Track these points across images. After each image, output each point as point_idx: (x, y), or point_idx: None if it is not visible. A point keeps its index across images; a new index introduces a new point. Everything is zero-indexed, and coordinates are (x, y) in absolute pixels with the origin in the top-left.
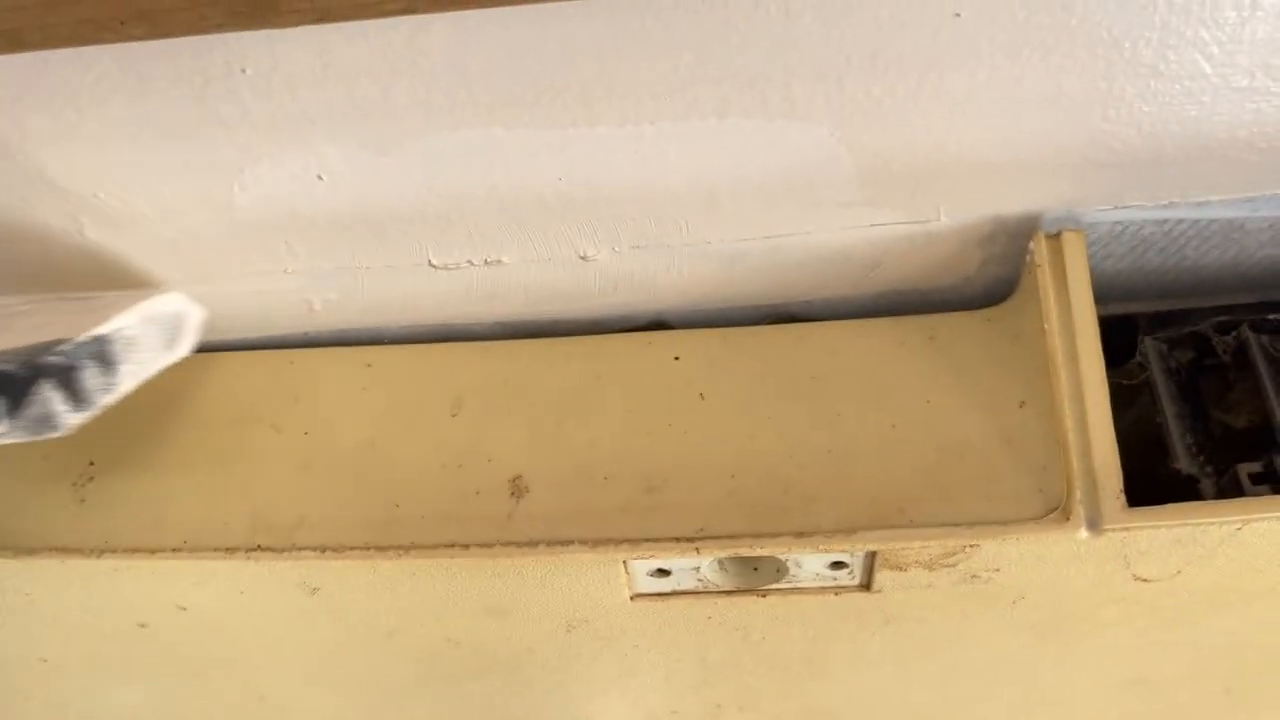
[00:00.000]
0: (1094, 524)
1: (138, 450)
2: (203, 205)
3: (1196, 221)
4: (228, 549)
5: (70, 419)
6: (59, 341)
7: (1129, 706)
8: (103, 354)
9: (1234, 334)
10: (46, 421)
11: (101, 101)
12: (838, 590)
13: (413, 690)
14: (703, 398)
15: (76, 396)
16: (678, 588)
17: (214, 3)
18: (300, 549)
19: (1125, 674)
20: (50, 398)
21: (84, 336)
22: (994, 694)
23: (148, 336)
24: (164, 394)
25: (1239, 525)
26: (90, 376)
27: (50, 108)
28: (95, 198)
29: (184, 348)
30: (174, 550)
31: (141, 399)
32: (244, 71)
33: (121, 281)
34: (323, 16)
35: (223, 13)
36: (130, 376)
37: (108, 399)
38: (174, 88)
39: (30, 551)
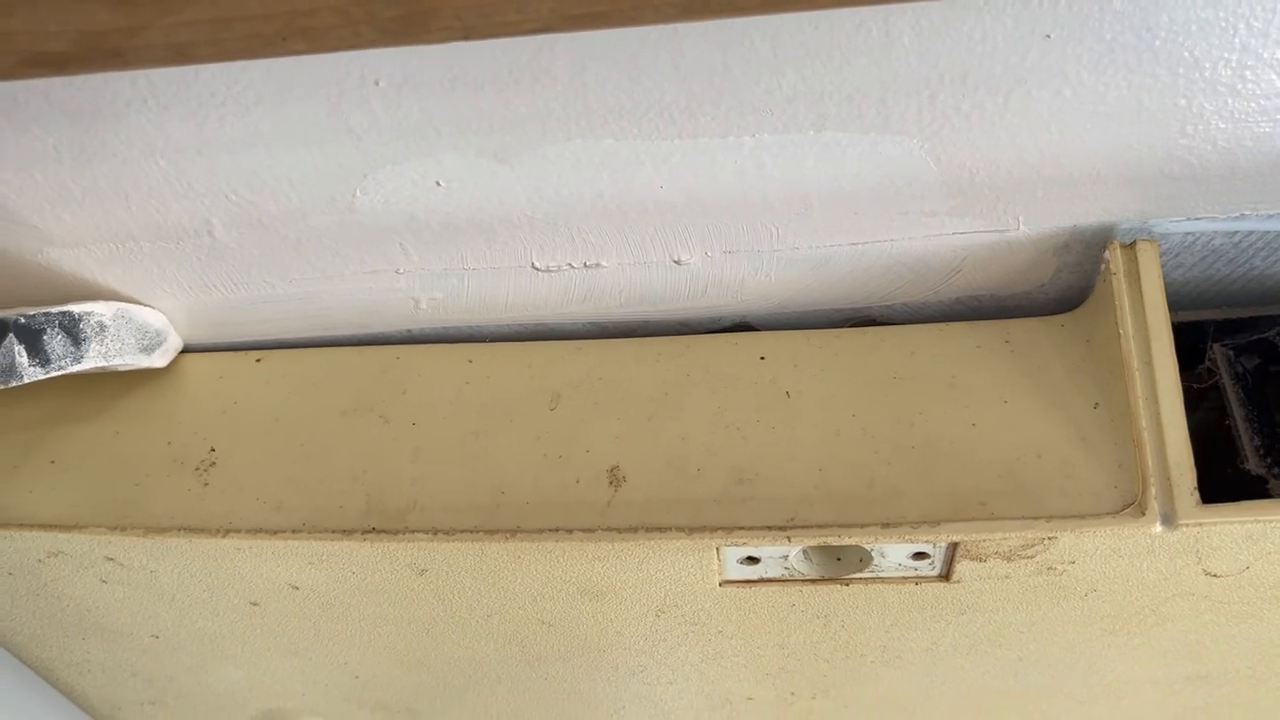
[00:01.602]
0: (1168, 519)
1: (255, 439)
2: (326, 208)
3: (1265, 234)
4: (344, 531)
5: (31, 373)
6: (25, 311)
7: (1190, 701)
8: (72, 328)
9: None
10: (9, 371)
11: (245, 111)
12: (918, 580)
13: (501, 671)
14: (789, 396)
15: (38, 356)
16: (765, 575)
17: (370, 21)
18: (412, 531)
19: (1188, 669)
20: (14, 350)
21: (55, 309)
22: (1059, 686)
23: (120, 331)
24: (278, 387)
25: None
26: (55, 343)
27: (196, 116)
28: (227, 200)
29: (161, 359)
30: (294, 531)
31: (255, 392)
32: (377, 84)
33: (245, 282)
34: (468, 34)
35: (376, 31)
36: (99, 357)
37: (71, 367)
38: (310, 98)
39: (160, 530)
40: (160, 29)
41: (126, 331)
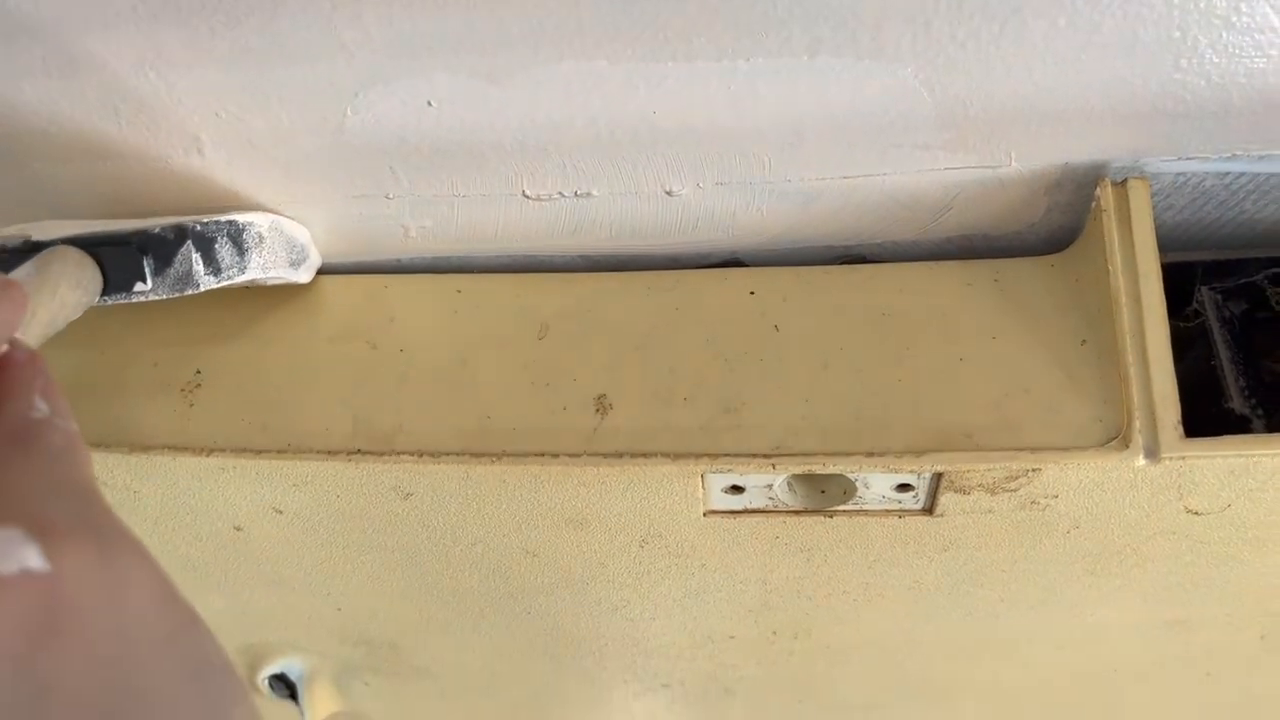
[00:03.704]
0: (1151, 453)
1: (242, 363)
2: (315, 128)
3: (1256, 175)
4: (329, 451)
5: (206, 281)
6: (200, 219)
7: (1168, 648)
8: (237, 237)
9: None
10: (188, 280)
11: (236, 23)
12: (901, 514)
13: (484, 604)
14: (777, 329)
15: (213, 265)
16: (749, 506)
17: None
18: (398, 453)
19: (1167, 614)
20: (192, 259)
21: (223, 218)
22: (1039, 630)
23: (274, 244)
24: (265, 312)
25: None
26: (225, 252)
27: (188, 26)
28: (216, 117)
29: (305, 275)
30: (279, 452)
31: (243, 316)
32: None
33: (234, 203)
34: None
35: None
36: (257, 268)
37: (237, 277)
38: (304, 12)
39: (144, 449)
40: None
41: (280, 244)
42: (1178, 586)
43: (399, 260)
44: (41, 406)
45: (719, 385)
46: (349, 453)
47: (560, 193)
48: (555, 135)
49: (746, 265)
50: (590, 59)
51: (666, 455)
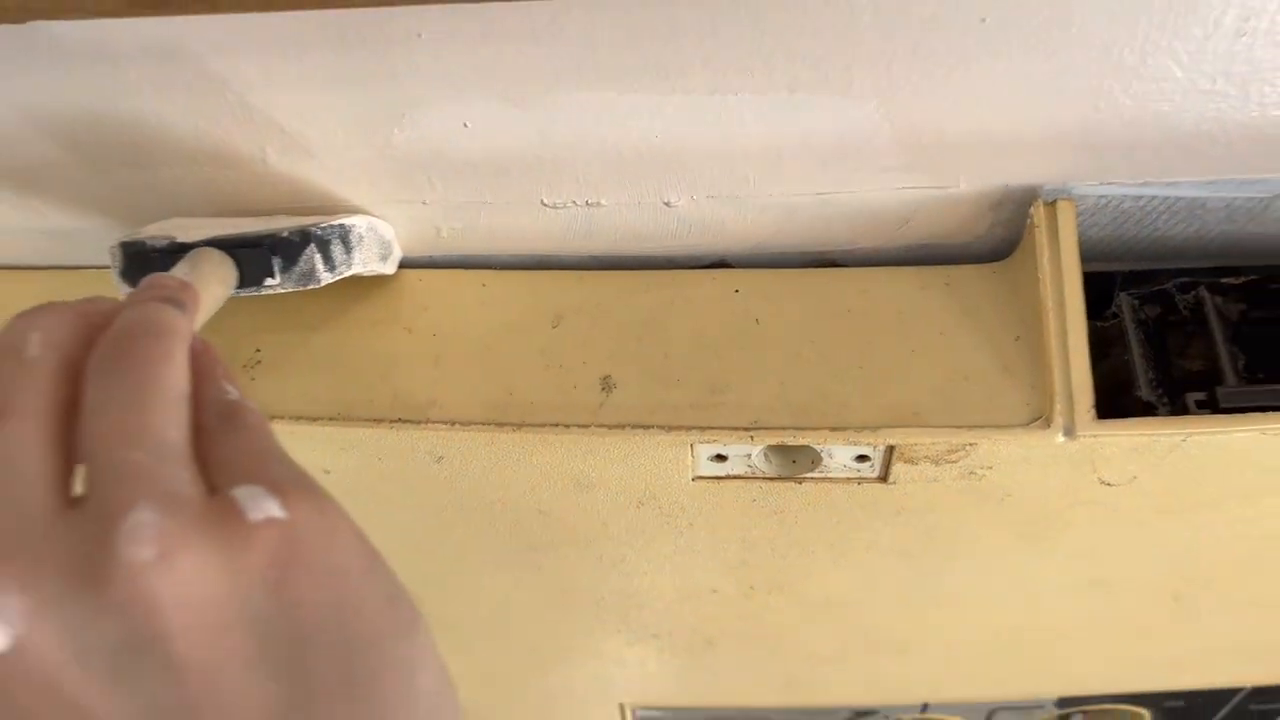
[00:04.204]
0: (1069, 431)
1: (295, 344)
2: (367, 143)
3: (1166, 199)
4: (374, 420)
5: (324, 277)
6: (318, 223)
7: (1092, 608)
8: (345, 237)
9: (1193, 294)
10: (310, 276)
11: (304, 53)
12: (860, 480)
13: (500, 558)
14: (758, 323)
15: (329, 263)
16: (731, 472)
17: None
18: (433, 422)
19: (1089, 575)
20: (314, 259)
21: (335, 221)
22: (982, 586)
23: (370, 242)
24: (314, 301)
25: (1183, 437)
26: (337, 250)
27: (264, 56)
28: (282, 132)
29: (390, 267)
30: (330, 419)
31: (295, 305)
32: (419, 36)
33: (292, 204)
34: None
35: None
36: (359, 264)
37: (345, 272)
38: (363, 46)
39: None
40: None
41: (374, 242)
42: (1098, 550)
43: (431, 257)
44: (230, 389)
45: (707, 369)
46: (390, 421)
47: (573, 202)
48: (571, 153)
49: (732, 267)
50: (602, 90)
51: (661, 428)
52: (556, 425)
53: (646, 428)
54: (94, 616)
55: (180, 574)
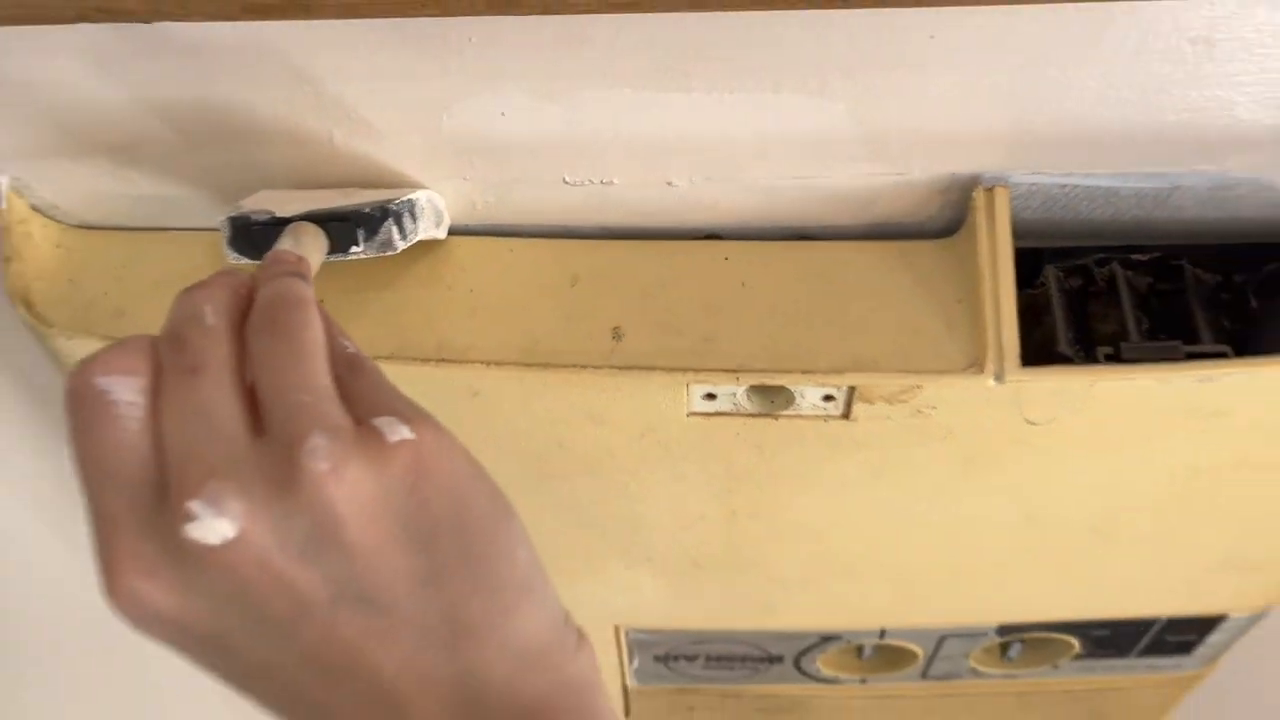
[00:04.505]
0: (999, 376)
1: (357, 299)
2: (420, 128)
3: (1087, 187)
4: (421, 359)
5: (399, 244)
6: (391, 199)
7: (1024, 539)
8: (412, 210)
9: (1108, 268)
10: (388, 244)
11: (373, 52)
12: (826, 418)
13: (521, 485)
14: (744, 285)
15: (402, 232)
16: (719, 409)
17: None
18: (472, 361)
19: (1020, 508)
20: (391, 229)
21: (405, 197)
22: (930, 518)
23: (429, 212)
24: (369, 264)
25: (1092, 383)
26: (407, 221)
27: (340, 54)
28: (349, 117)
29: (443, 233)
30: (387, 357)
31: (352, 265)
32: (470, 40)
33: (356, 178)
34: (546, 10)
35: (485, 4)
36: (423, 232)
37: (414, 239)
38: (422, 47)
39: None
40: None
41: (431, 212)
42: (1026, 485)
43: (468, 226)
44: (348, 343)
45: (700, 322)
46: (435, 361)
47: (590, 181)
48: (590, 140)
49: (723, 239)
50: (620, 89)
51: (662, 370)
52: (574, 366)
53: (649, 369)
54: (288, 514)
55: (347, 481)
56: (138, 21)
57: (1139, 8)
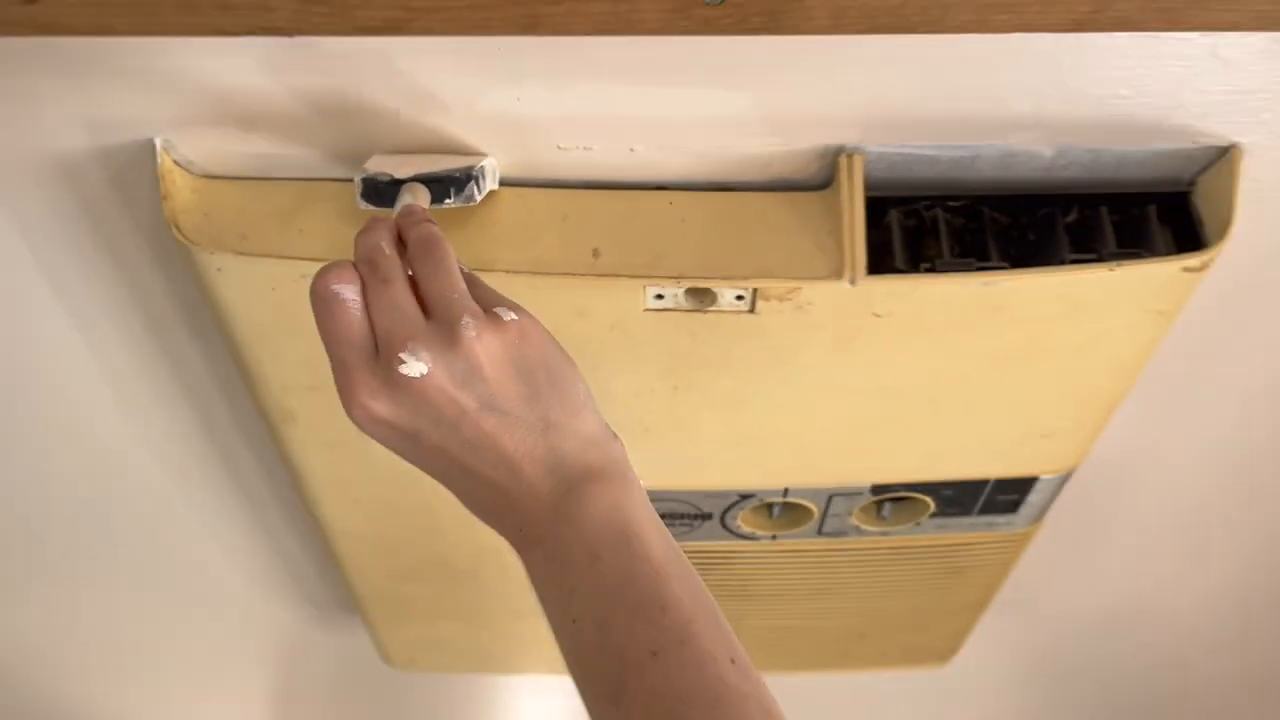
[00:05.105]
0: (853, 280)
1: None
2: (469, 109)
3: (919, 155)
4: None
5: (477, 196)
6: (471, 165)
7: (881, 409)
8: (483, 173)
9: (933, 212)
10: (470, 197)
11: (443, 57)
12: (738, 312)
13: None
14: (683, 221)
15: (480, 188)
16: (665, 306)
17: (504, 25)
18: (498, 270)
19: (875, 383)
20: (473, 186)
21: (480, 164)
22: (816, 390)
23: (490, 171)
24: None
25: (915, 286)
26: (481, 181)
27: (423, 58)
28: (432, 100)
29: (496, 185)
30: None
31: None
32: (499, 49)
33: (432, 145)
34: (555, 31)
35: (515, 27)
36: (489, 186)
37: (485, 191)
38: (472, 54)
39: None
40: (437, 16)
41: (491, 171)
42: (878, 364)
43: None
44: (463, 265)
45: (653, 244)
46: (475, 269)
47: (576, 147)
48: (578, 117)
49: (669, 190)
50: (600, 82)
51: (626, 276)
52: (566, 274)
53: (618, 276)
54: (453, 361)
55: (484, 343)
56: (283, 35)
57: (948, 40)
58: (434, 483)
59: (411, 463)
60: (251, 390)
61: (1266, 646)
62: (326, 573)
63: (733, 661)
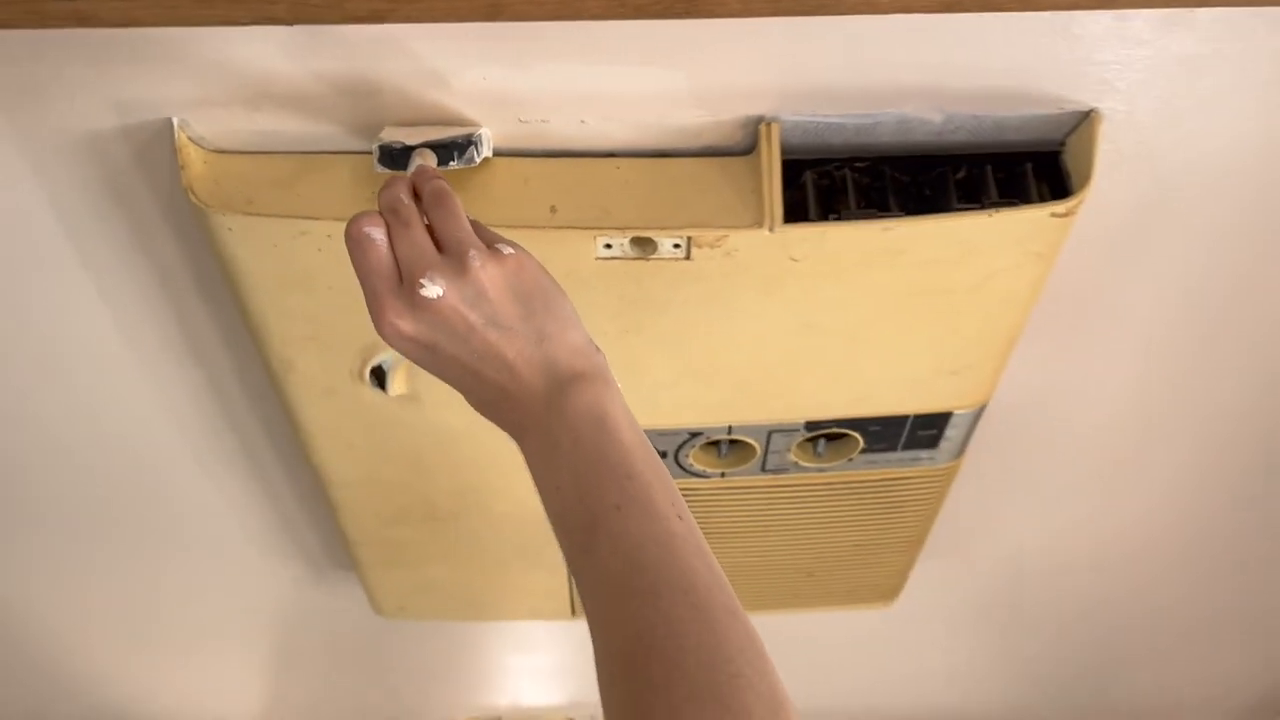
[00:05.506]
0: (771, 228)
1: None
2: (461, 84)
3: (829, 123)
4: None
5: (476, 159)
6: (470, 133)
7: (807, 345)
8: (481, 140)
9: (842, 172)
10: (471, 160)
11: (439, 40)
12: (676, 259)
13: None
14: (628, 183)
15: (478, 151)
16: (613, 255)
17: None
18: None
19: (799, 321)
20: (473, 151)
21: (476, 131)
22: (750, 329)
23: (485, 139)
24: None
25: (822, 233)
26: (479, 147)
27: (424, 41)
28: (436, 77)
29: (490, 153)
30: None
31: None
32: (467, 35)
33: (435, 117)
34: (554, 14)
35: (488, 13)
36: (484, 153)
37: (483, 156)
38: (481, 38)
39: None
40: (415, 5)
41: (486, 139)
42: (799, 303)
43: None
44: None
45: (601, 201)
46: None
47: (536, 120)
48: (537, 94)
49: (617, 156)
50: (559, 62)
51: (580, 229)
52: (527, 227)
53: (572, 228)
54: (463, 286)
55: (489, 269)
56: (283, 24)
57: (845, 21)
58: (419, 427)
59: (430, 371)
60: (256, 342)
61: (1191, 575)
62: (323, 527)
63: (680, 518)
